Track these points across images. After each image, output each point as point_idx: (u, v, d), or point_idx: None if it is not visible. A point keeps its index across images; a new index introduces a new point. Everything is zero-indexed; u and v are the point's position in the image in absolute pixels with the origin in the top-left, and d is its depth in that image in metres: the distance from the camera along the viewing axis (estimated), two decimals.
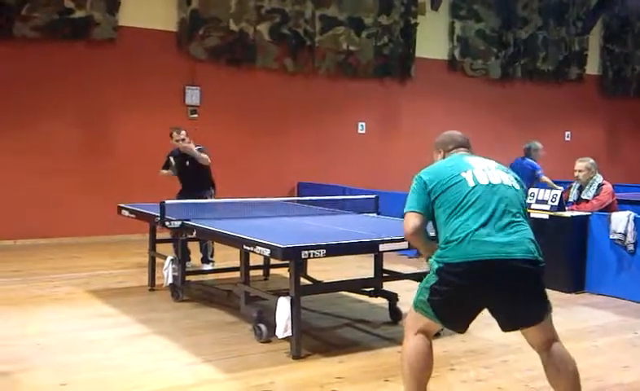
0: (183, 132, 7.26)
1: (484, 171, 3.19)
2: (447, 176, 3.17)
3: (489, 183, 3.13)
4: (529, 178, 9.07)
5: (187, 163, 7.28)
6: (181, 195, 7.13)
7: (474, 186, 3.11)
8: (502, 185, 3.16)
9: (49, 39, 9.06)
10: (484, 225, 3.02)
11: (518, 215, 3.11)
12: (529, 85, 13.54)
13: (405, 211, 3.22)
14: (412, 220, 3.18)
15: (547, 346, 3.13)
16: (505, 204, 3.09)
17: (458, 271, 3.00)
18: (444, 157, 3.45)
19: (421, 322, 3.15)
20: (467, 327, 3.21)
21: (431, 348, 3.18)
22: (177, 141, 7.21)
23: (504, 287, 3.02)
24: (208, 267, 7.10)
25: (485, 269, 2.97)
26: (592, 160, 7.16)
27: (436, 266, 3.08)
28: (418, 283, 3.28)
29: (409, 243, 3.37)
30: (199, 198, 6.93)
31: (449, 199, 3.12)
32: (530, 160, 9.40)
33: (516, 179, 3.31)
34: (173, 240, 6.53)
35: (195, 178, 7.27)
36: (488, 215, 3.04)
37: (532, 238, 3.09)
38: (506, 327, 3.17)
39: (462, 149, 3.43)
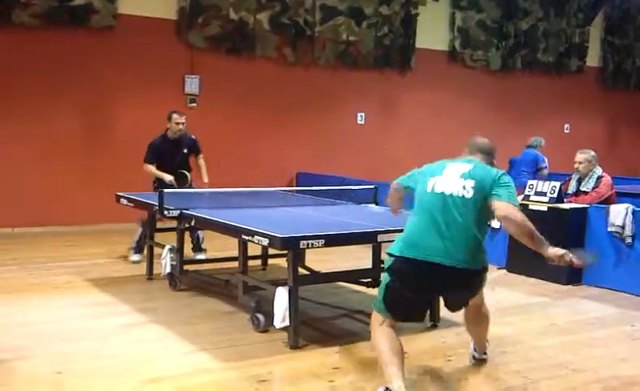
0: (184, 116, 7.28)
1: (446, 180, 3.60)
2: (426, 175, 3.72)
3: (441, 192, 3.57)
4: (533, 167, 9.66)
5: (185, 151, 7.27)
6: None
7: (429, 192, 3.61)
8: (451, 196, 3.54)
9: (48, 27, 9.00)
10: (428, 229, 3.51)
11: (461, 224, 3.49)
12: (529, 76, 13.50)
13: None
14: (395, 183, 4.12)
15: (470, 305, 3.87)
16: (450, 213, 3.51)
17: (401, 264, 3.55)
18: None
19: (382, 318, 3.62)
20: (423, 317, 3.91)
21: (397, 334, 3.60)
22: (178, 123, 7.16)
23: (441, 285, 3.60)
24: (201, 256, 7.09)
25: (425, 268, 3.48)
26: (593, 153, 7.15)
27: (388, 263, 3.63)
28: None
29: None
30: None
31: (416, 195, 3.72)
32: (534, 151, 10.12)
33: (476, 186, 3.53)
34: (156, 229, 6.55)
35: (185, 164, 7.33)
36: (434, 221, 3.51)
37: (470, 246, 3.49)
38: (452, 309, 3.95)
39: (471, 154, 3.81)
